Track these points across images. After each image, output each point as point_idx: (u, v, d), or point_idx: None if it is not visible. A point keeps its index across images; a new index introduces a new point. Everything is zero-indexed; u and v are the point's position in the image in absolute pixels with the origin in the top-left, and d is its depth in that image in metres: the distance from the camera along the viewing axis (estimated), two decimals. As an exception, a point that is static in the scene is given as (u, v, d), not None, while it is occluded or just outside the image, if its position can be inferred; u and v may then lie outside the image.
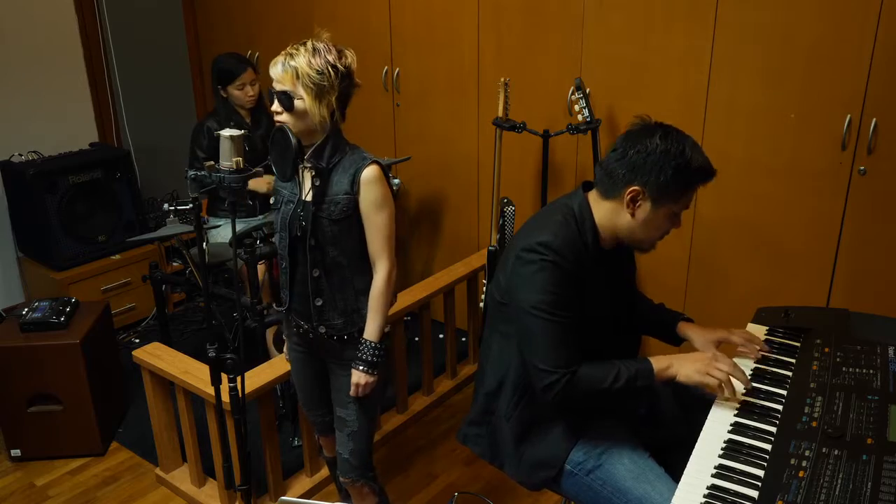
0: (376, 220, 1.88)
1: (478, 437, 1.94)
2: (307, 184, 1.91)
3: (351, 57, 1.87)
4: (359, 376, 1.94)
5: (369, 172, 1.86)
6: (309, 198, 1.90)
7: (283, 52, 1.83)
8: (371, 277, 1.95)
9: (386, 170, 1.92)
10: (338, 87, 1.83)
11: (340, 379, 2.02)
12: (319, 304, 1.95)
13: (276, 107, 1.83)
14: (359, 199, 1.87)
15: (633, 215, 1.71)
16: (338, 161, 1.89)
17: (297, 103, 1.81)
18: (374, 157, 1.91)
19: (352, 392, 1.96)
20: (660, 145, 1.64)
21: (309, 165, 1.89)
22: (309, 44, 1.82)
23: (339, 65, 1.83)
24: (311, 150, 1.88)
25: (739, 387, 1.70)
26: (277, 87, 1.83)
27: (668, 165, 1.63)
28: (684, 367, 1.70)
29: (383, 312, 1.94)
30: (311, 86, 1.80)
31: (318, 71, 1.79)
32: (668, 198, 1.67)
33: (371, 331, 1.94)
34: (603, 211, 1.74)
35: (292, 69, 1.79)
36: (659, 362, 1.72)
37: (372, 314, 1.94)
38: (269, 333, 3.14)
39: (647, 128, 1.70)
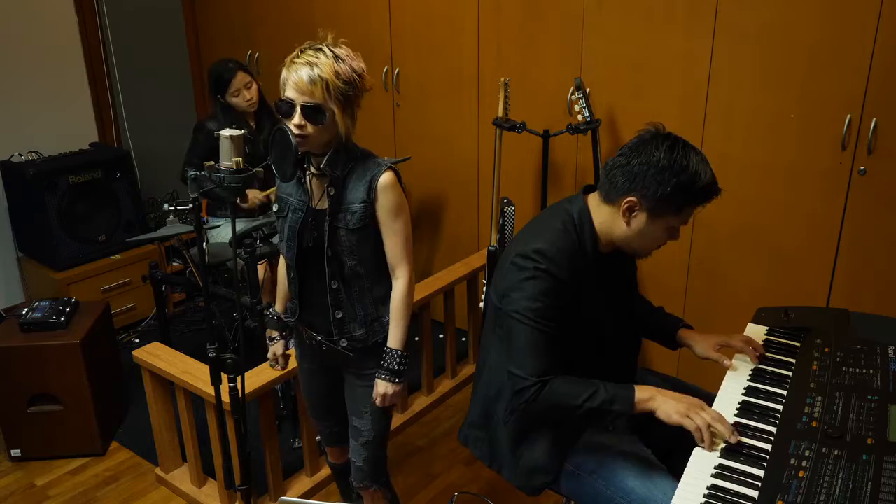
0: (395, 226, 1.82)
1: (478, 439, 1.94)
2: (317, 192, 1.85)
3: (361, 60, 1.79)
4: (385, 386, 1.88)
5: (386, 178, 1.79)
6: (321, 206, 1.84)
7: (302, 60, 1.70)
8: (388, 285, 1.90)
9: (399, 174, 1.86)
10: (360, 95, 1.77)
11: (357, 389, 1.97)
12: (340, 316, 1.89)
13: (297, 120, 1.71)
14: (376, 206, 1.80)
15: (628, 224, 1.69)
16: (351, 168, 1.81)
17: (327, 116, 1.72)
18: (388, 163, 1.83)
19: (377, 402, 1.91)
20: (663, 159, 1.61)
21: (317, 172, 1.83)
22: (327, 50, 1.71)
23: (360, 71, 1.75)
24: (325, 158, 1.79)
25: (724, 435, 1.56)
26: (301, 99, 1.70)
27: (668, 180, 1.60)
28: (665, 405, 1.62)
29: (407, 320, 1.88)
30: (341, 97, 1.71)
31: (345, 81, 1.70)
32: (665, 212, 1.65)
33: (395, 339, 1.88)
34: (602, 215, 1.73)
35: (322, 81, 1.68)
36: (642, 392, 1.65)
37: (395, 322, 1.88)
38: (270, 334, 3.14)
39: (655, 137, 1.65)
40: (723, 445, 1.56)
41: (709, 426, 1.56)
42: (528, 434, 1.82)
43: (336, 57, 1.71)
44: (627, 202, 1.66)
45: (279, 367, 2.18)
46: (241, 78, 3.13)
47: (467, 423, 1.97)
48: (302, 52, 1.73)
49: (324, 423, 2.18)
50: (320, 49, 1.72)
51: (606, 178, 1.71)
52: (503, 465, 1.87)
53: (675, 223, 1.68)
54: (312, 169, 1.84)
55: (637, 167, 1.63)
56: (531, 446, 1.82)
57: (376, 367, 1.91)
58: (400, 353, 1.89)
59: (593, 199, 1.76)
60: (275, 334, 2.13)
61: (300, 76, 1.69)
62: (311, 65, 1.69)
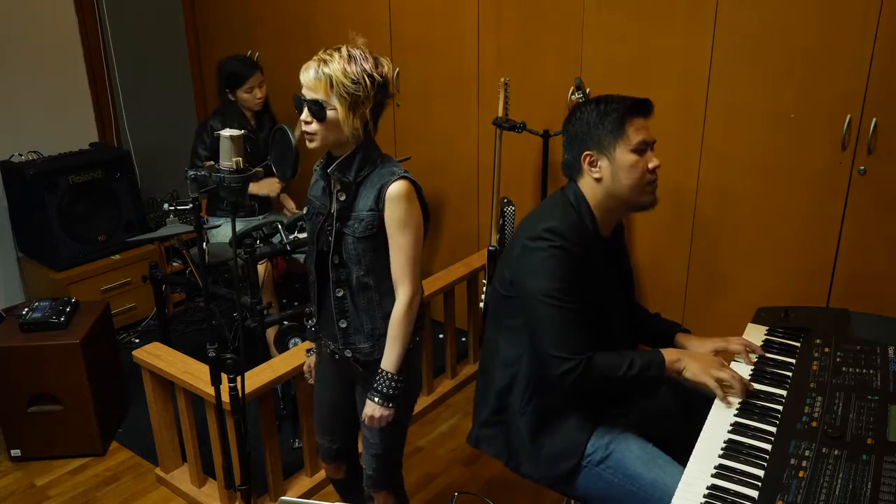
0: (399, 240, 1.77)
1: (491, 438, 1.93)
2: (336, 197, 1.84)
3: (387, 65, 1.76)
4: (373, 408, 1.83)
5: (395, 188, 1.74)
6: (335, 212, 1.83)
7: (315, 57, 1.72)
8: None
9: (418, 186, 1.81)
10: (373, 98, 1.72)
11: (366, 400, 1.92)
12: (344, 326, 1.87)
13: (305, 116, 1.73)
14: (385, 216, 1.76)
15: (601, 179, 1.77)
16: (366, 175, 1.78)
17: (330, 114, 1.70)
18: (404, 172, 1.79)
19: (367, 422, 1.87)
20: (577, 111, 1.79)
21: (334, 178, 1.81)
22: (344, 50, 1.71)
23: (375, 74, 1.71)
24: (338, 162, 1.78)
25: (738, 393, 1.73)
26: (308, 94, 1.71)
27: (590, 118, 1.76)
28: (692, 365, 1.75)
29: (403, 341, 1.81)
30: (346, 95, 1.68)
31: (353, 80, 1.68)
32: (612, 139, 1.73)
33: (389, 360, 1.81)
34: (587, 192, 1.80)
35: (326, 77, 1.68)
36: (670, 355, 1.77)
37: (390, 343, 1.81)
38: (270, 333, 3.15)
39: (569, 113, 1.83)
40: (731, 425, 1.58)
41: (731, 383, 1.72)
42: (547, 421, 1.83)
43: (350, 56, 1.70)
44: (585, 158, 1.77)
45: (312, 381, 2.13)
46: (257, 77, 3.35)
47: (478, 424, 1.96)
48: (323, 51, 1.74)
49: (325, 438, 2.14)
50: (338, 49, 1.72)
51: (564, 169, 1.86)
52: (522, 458, 1.87)
53: (632, 144, 1.73)
54: (332, 174, 1.82)
55: (568, 138, 1.81)
56: (552, 433, 1.82)
57: None
58: (392, 376, 1.82)
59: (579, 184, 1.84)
60: (312, 345, 2.09)
61: (308, 73, 1.71)
62: (320, 62, 1.71)
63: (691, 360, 1.76)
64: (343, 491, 2.30)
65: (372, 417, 1.85)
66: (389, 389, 1.82)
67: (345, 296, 1.85)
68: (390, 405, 1.84)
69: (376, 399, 1.83)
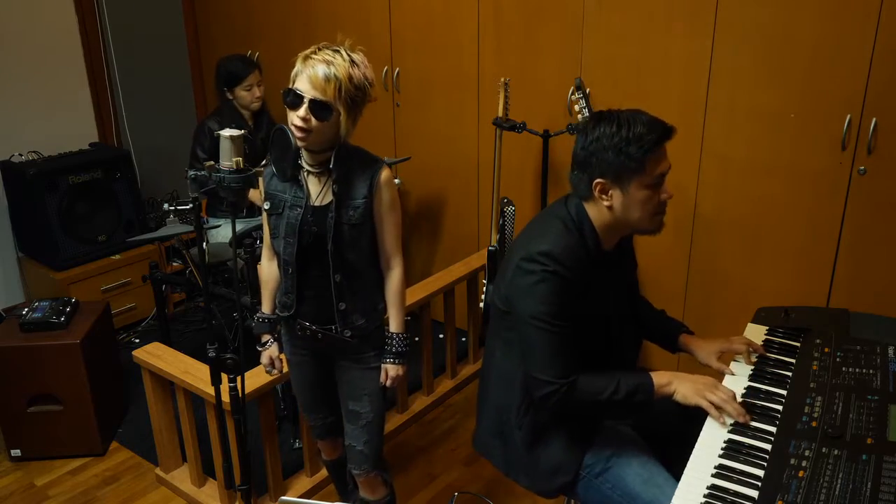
0: (392, 219, 1.93)
1: (494, 448, 1.94)
2: (314, 189, 1.89)
3: (371, 69, 1.84)
4: (395, 369, 2.00)
5: (385, 175, 1.89)
6: (320, 203, 1.88)
7: (319, 57, 1.74)
8: (380, 275, 1.99)
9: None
10: (365, 103, 1.83)
11: (352, 372, 2.02)
12: (343, 308, 1.94)
13: (303, 113, 1.74)
14: (375, 201, 1.89)
15: (610, 207, 1.71)
16: (350, 166, 1.88)
17: (333, 115, 1.76)
18: (383, 160, 1.92)
19: (388, 384, 2.01)
20: (593, 134, 1.67)
21: (315, 171, 1.87)
22: (345, 53, 1.76)
23: (372, 81, 1.82)
24: (333, 157, 1.84)
25: (734, 416, 1.65)
26: (312, 94, 1.73)
27: (608, 149, 1.65)
28: (683, 387, 1.71)
29: (404, 304, 2.01)
30: (349, 101, 1.76)
31: (356, 86, 1.76)
32: (630, 175, 1.65)
33: (396, 324, 2.00)
34: (593, 213, 1.74)
35: (336, 81, 1.73)
36: (659, 378, 1.72)
37: (395, 308, 2.00)
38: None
39: (585, 122, 1.74)
40: (731, 425, 1.61)
41: (723, 405, 1.66)
42: (542, 434, 1.82)
43: (352, 61, 1.76)
44: (597, 186, 1.69)
45: (276, 372, 2.17)
46: (255, 76, 3.32)
47: (482, 432, 1.97)
48: (320, 49, 1.77)
49: (317, 415, 2.19)
50: (338, 51, 1.77)
51: (571, 183, 1.76)
52: (521, 471, 1.87)
53: (649, 180, 1.67)
54: (307, 167, 1.87)
55: (581, 154, 1.70)
56: (547, 446, 1.82)
57: (372, 350, 2.01)
58: (402, 335, 2.00)
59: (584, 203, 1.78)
60: (267, 337, 2.12)
61: (316, 71, 1.73)
62: (328, 63, 1.74)
63: (682, 382, 1.71)
64: (337, 473, 2.35)
65: (395, 378, 2.01)
66: (401, 347, 2.00)
67: (342, 280, 1.93)
68: (403, 361, 2.01)
69: (390, 360, 2.00)
